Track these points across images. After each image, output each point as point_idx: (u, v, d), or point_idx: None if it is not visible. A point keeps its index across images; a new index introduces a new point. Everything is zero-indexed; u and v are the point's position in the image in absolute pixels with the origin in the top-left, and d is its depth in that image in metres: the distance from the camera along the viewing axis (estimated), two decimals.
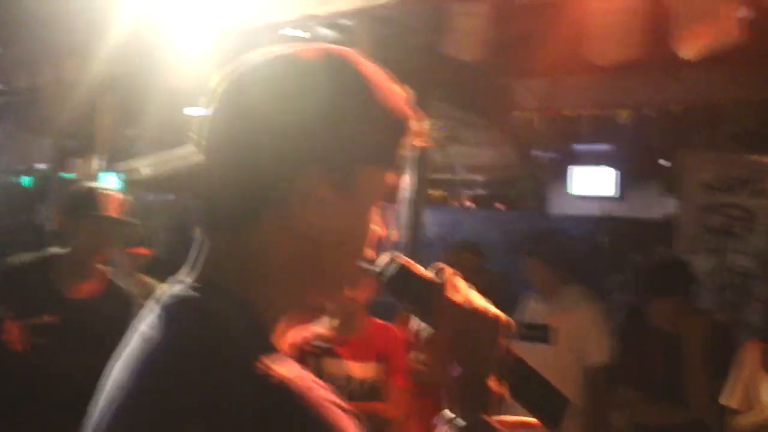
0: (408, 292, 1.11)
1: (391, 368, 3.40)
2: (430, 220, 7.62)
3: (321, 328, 3.53)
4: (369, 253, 1.06)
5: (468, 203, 14.16)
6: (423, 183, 6.44)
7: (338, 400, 0.90)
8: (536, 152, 9.08)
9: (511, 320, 1.10)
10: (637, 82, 5.83)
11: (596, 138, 9.87)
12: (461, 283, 1.10)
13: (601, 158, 11.94)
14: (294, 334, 3.53)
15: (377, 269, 1.09)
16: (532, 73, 5.98)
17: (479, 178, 12.25)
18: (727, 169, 5.16)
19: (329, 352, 3.44)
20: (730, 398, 3.25)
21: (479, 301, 1.10)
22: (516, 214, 9.30)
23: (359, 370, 3.43)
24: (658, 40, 2.90)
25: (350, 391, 3.40)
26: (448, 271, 1.10)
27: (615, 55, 2.93)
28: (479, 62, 5.29)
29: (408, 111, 1.06)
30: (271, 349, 0.94)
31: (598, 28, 2.95)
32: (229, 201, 1.00)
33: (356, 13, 3.62)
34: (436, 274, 1.11)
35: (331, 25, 4.55)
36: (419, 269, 1.11)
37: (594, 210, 11.04)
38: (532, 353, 4.01)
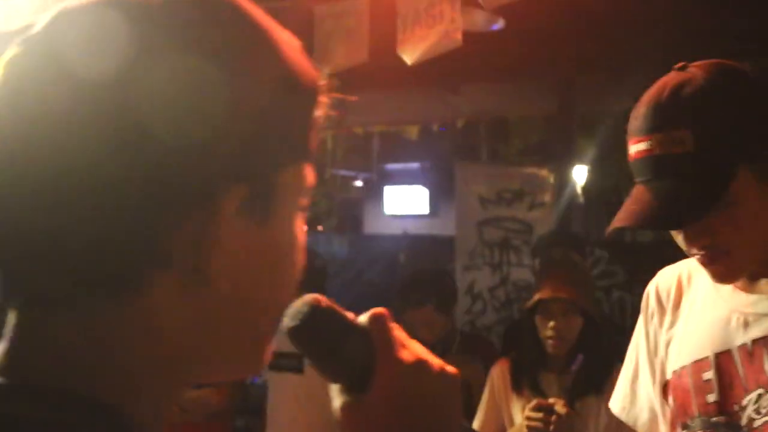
0: (327, 346, 0.79)
1: None
2: None
3: None
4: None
5: None
6: None
7: None
8: (341, 172, 8.96)
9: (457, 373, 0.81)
10: (422, 98, 5.79)
11: (402, 156, 9.90)
12: (401, 332, 0.81)
13: (415, 177, 12.05)
14: None
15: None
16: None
17: None
18: (502, 182, 5.14)
19: None
20: (477, 421, 3.11)
21: (427, 355, 0.80)
22: (321, 236, 9.12)
23: None
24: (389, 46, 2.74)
25: None
26: (385, 316, 0.80)
27: (344, 61, 2.75)
28: None
29: (314, 71, 0.71)
30: None
31: (326, 35, 2.76)
32: (78, 265, 0.60)
33: None
34: (369, 320, 0.79)
35: None
36: (342, 313, 0.79)
37: (408, 228, 11.08)
38: (284, 384, 3.76)
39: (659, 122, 1.31)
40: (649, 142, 1.32)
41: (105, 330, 0.62)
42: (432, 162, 10.55)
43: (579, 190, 5.64)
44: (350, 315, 0.80)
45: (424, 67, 3.59)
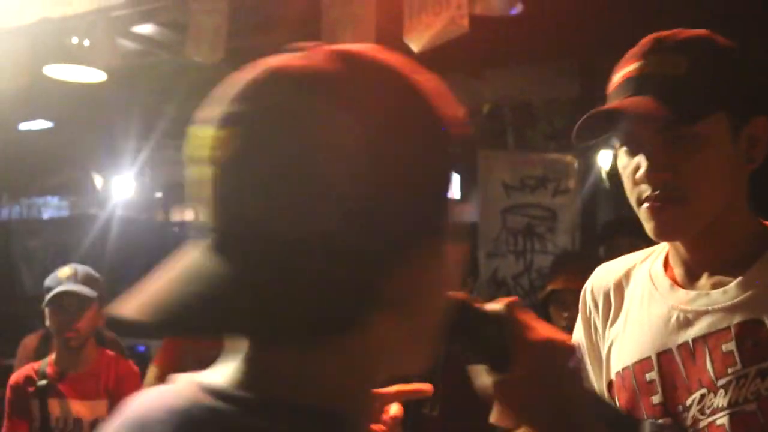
0: (474, 336, 0.95)
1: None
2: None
3: (46, 364, 3.18)
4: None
5: None
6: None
7: None
8: None
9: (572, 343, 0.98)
10: (445, 84, 5.72)
11: None
12: (530, 315, 0.96)
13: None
14: (17, 374, 3.18)
15: None
16: None
17: None
18: (525, 168, 5.07)
19: (52, 392, 3.09)
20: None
21: (553, 333, 0.96)
22: None
23: (87, 409, 3.10)
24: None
25: None
26: (516, 303, 0.96)
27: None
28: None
29: (457, 123, 0.80)
30: None
31: (332, 22, 2.73)
32: (316, 312, 0.71)
33: (95, 15, 3.30)
34: (504, 308, 0.95)
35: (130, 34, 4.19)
36: (481, 305, 0.96)
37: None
38: None
39: (657, 47, 1.30)
40: (643, 62, 1.29)
41: (330, 358, 0.74)
42: (470, 148, 10.47)
43: (604, 175, 5.54)
44: (486, 306, 0.95)
45: (447, 52, 3.55)
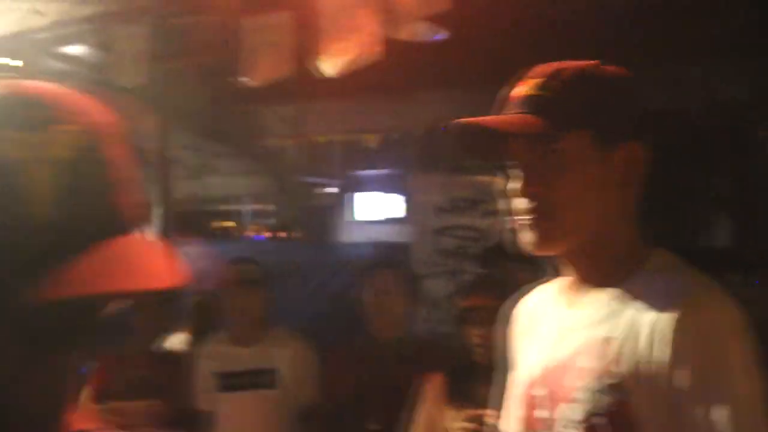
0: None
1: None
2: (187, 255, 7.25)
3: None
4: None
5: (265, 234, 13.86)
6: (169, 216, 6.15)
7: None
8: (310, 179, 8.95)
9: None
10: (380, 106, 5.80)
11: (373, 163, 9.91)
12: None
13: (386, 184, 12.02)
14: None
15: None
16: (279, 100, 5.83)
17: (267, 207, 12.03)
18: (455, 190, 5.15)
19: None
20: None
21: None
22: (285, 244, 9.07)
23: None
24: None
25: None
26: None
27: (269, 73, 2.76)
28: (220, 90, 5.07)
29: None
30: None
31: (251, 47, 2.78)
32: None
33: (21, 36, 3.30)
34: None
35: (56, 55, 4.18)
36: None
37: (383, 235, 11.03)
38: (255, 400, 3.69)
39: (540, 73, 1.40)
40: (525, 87, 1.39)
41: None
42: (403, 170, 10.53)
43: None
44: None
45: (378, 75, 3.62)
